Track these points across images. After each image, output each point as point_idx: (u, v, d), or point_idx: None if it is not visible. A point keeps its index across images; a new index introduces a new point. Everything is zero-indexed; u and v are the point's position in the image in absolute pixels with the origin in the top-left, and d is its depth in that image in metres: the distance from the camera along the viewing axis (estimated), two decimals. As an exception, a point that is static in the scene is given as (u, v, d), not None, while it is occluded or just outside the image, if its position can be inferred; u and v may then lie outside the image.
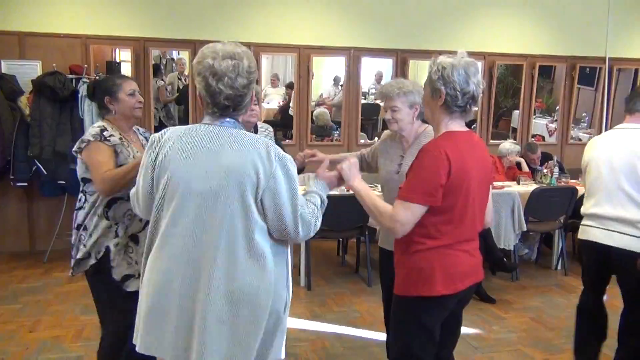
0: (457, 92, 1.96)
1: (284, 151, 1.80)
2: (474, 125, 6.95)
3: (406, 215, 1.94)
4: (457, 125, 2.04)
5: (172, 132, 1.79)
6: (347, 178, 2.11)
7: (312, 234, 1.82)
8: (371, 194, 2.09)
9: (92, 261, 2.45)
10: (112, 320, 2.51)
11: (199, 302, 1.69)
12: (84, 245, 2.45)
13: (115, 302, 2.47)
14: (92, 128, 2.49)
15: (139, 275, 1.88)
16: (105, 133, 2.44)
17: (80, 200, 2.50)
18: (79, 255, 2.45)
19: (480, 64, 6.62)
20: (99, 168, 2.36)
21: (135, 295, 1.92)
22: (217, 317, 1.69)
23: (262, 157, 1.69)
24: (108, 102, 2.51)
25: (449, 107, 2.00)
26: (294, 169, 1.76)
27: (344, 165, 2.13)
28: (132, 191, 1.91)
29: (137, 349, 1.82)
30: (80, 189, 2.50)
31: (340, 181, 2.12)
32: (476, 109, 6.97)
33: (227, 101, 1.73)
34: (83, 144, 2.41)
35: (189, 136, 1.74)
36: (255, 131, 3.04)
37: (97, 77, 5.36)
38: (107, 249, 2.44)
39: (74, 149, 2.45)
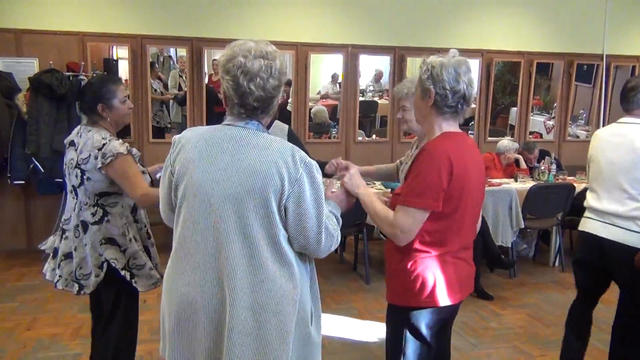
0: (447, 92, 1.89)
1: (307, 153, 1.73)
2: (472, 123, 6.95)
3: (407, 221, 1.86)
4: (450, 127, 1.97)
5: (192, 133, 1.70)
6: (351, 189, 2.02)
7: (333, 249, 1.73)
8: (373, 200, 2.01)
9: (150, 266, 2.50)
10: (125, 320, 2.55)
11: (225, 314, 1.61)
12: (135, 258, 2.45)
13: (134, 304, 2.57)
14: (101, 138, 2.36)
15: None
16: (126, 145, 2.38)
17: (95, 214, 2.40)
18: (143, 272, 2.46)
19: (477, 62, 6.68)
20: (137, 180, 2.33)
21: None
22: (242, 330, 1.60)
23: (287, 162, 1.61)
24: (101, 109, 2.42)
25: (440, 107, 1.93)
26: (319, 176, 1.68)
27: (345, 178, 2.06)
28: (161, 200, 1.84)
29: None
30: (93, 202, 2.40)
31: (349, 197, 2.03)
32: (474, 106, 6.99)
33: (257, 103, 1.64)
34: (109, 158, 2.30)
35: (210, 137, 1.66)
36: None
37: (94, 75, 5.36)
38: (147, 250, 2.52)
39: (98, 167, 2.32)
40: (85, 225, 2.40)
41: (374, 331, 3.77)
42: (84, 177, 2.36)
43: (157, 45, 5.94)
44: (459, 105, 1.93)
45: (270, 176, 1.59)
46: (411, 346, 2.01)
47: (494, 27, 6.91)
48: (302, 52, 6.28)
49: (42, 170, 5.18)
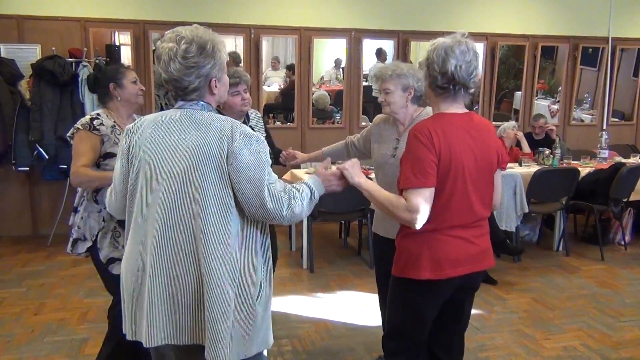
0: (436, 73, 1.96)
1: (270, 136, 1.77)
2: (476, 107, 6.92)
3: (419, 201, 1.89)
4: (452, 107, 2.02)
5: (145, 119, 1.81)
6: (350, 176, 2.04)
7: (285, 213, 1.74)
8: (380, 188, 2.06)
9: (89, 243, 2.54)
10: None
11: (174, 287, 1.71)
12: (78, 227, 2.55)
13: (107, 283, 2.59)
14: (87, 116, 2.59)
15: None
16: (95, 122, 2.51)
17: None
18: (75, 236, 2.56)
19: (482, 45, 6.62)
20: (77, 159, 2.47)
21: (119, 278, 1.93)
22: (189, 301, 1.71)
23: (227, 136, 1.68)
24: (113, 88, 2.59)
25: (433, 89, 2.02)
26: (260, 145, 1.72)
27: (347, 164, 2.07)
28: (109, 189, 1.92)
29: (126, 336, 1.84)
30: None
31: (341, 181, 2.04)
32: (473, 89, 6.94)
33: (167, 84, 1.74)
34: (73, 131, 2.51)
35: (159, 121, 1.76)
36: (248, 119, 3.04)
37: (97, 61, 5.35)
38: (97, 232, 2.55)
39: (67, 135, 2.56)
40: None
41: (377, 315, 3.79)
42: None
43: (159, 31, 5.88)
44: (451, 86, 1.97)
45: (211, 152, 1.67)
46: (404, 315, 2.14)
47: (498, 10, 6.84)
48: (305, 36, 6.24)
49: (46, 157, 5.19)
